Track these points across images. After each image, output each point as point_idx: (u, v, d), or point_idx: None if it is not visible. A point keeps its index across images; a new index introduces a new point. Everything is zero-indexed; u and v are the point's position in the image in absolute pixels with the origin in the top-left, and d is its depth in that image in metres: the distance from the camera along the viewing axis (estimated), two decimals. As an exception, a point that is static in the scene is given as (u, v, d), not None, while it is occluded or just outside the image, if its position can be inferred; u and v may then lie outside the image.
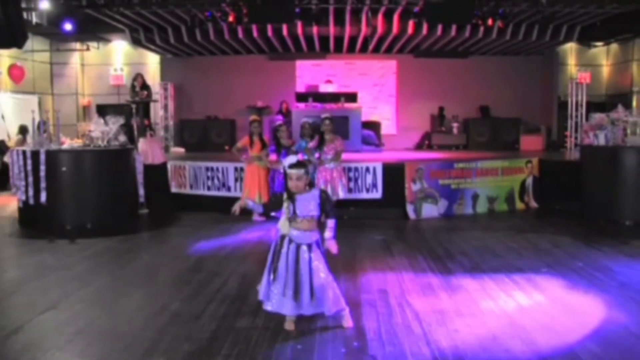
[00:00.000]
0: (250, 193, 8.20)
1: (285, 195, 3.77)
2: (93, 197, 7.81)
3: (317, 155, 7.82)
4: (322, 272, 3.73)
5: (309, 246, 3.75)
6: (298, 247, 3.74)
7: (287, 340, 3.62)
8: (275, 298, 3.74)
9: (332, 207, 3.86)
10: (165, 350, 3.47)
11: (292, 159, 3.77)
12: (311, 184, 3.83)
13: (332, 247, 3.80)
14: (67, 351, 3.48)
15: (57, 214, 7.70)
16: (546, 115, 15.64)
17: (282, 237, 3.79)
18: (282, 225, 3.78)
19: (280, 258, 3.75)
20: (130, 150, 8.71)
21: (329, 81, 15.07)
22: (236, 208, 3.90)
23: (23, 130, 11.85)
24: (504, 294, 4.60)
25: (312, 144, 8.00)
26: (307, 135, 8.13)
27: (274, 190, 8.12)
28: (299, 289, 3.69)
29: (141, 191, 8.79)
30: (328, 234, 3.80)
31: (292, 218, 3.72)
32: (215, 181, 9.27)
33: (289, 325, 3.79)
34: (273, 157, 8.31)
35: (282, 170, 8.08)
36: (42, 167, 7.56)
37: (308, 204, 3.71)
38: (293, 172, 3.70)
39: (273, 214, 4.18)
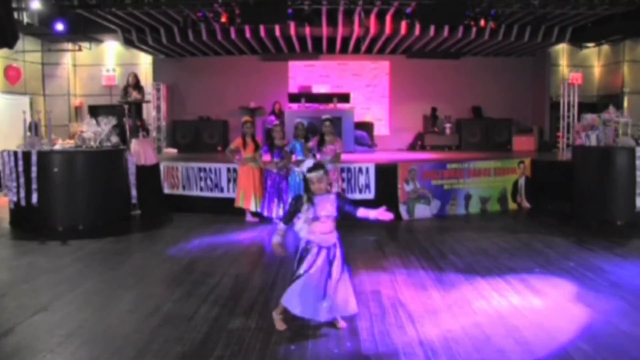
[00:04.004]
0: (246, 195, 8.19)
1: (305, 198, 3.75)
2: (85, 198, 7.78)
3: (318, 156, 7.82)
4: (338, 273, 3.74)
5: (329, 249, 3.74)
6: (320, 250, 3.73)
7: (280, 341, 3.61)
8: (304, 303, 3.70)
9: (351, 204, 3.81)
10: (157, 352, 3.46)
11: (308, 163, 3.77)
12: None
13: (385, 215, 3.77)
14: (58, 353, 3.46)
15: (49, 215, 7.66)
16: (538, 115, 15.72)
17: (309, 243, 3.75)
18: (301, 228, 3.76)
19: (304, 263, 3.72)
20: (123, 151, 8.68)
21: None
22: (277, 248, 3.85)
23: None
24: (496, 294, 4.61)
25: (311, 144, 8.01)
26: (300, 136, 8.12)
27: (269, 190, 8.12)
28: (322, 293, 3.69)
29: (133, 192, 8.76)
30: (373, 213, 3.75)
31: (314, 219, 3.70)
32: (208, 182, 9.25)
33: (281, 326, 3.79)
34: (266, 157, 8.31)
35: (274, 171, 8.16)
36: (34, 168, 7.52)
37: (326, 204, 3.71)
38: (312, 175, 3.70)
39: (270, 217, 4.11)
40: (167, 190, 9.69)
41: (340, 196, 3.85)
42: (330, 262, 3.74)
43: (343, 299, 3.76)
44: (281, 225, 3.81)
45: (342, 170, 8.69)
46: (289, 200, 7.94)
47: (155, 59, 15.64)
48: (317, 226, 3.72)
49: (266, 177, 8.20)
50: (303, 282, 3.69)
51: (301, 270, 3.71)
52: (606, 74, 15.65)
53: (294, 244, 3.86)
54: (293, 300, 3.70)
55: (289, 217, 3.82)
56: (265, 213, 8.16)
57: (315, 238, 3.73)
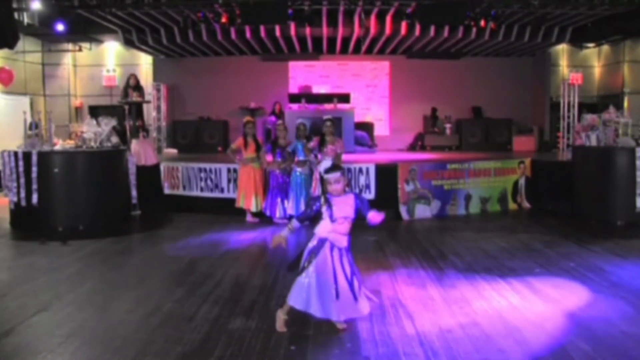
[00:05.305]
0: (247, 196, 8.19)
1: (322, 200, 3.71)
2: (85, 199, 7.78)
3: (319, 156, 7.82)
4: (350, 276, 3.71)
5: (341, 250, 3.72)
6: (333, 248, 3.71)
7: (280, 342, 3.61)
8: (317, 301, 3.66)
9: (368, 206, 3.76)
10: (158, 352, 3.46)
11: (326, 164, 3.73)
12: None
13: (376, 217, 3.69)
14: (58, 354, 3.46)
15: (49, 215, 7.66)
16: (538, 116, 15.71)
17: (322, 241, 3.72)
18: (322, 229, 3.73)
19: (315, 261, 3.69)
20: (123, 152, 8.68)
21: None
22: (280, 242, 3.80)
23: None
24: (496, 294, 4.61)
25: (312, 144, 8.02)
26: (302, 137, 8.13)
27: (272, 190, 8.13)
28: (334, 292, 3.65)
29: (134, 192, 8.76)
30: (372, 214, 3.71)
31: (332, 221, 3.67)
32: (208, 182, 9.25)
33: (281, 327, 3.79)
34: (269, 157, 8.32)
35: (277, 172, 8.17)
36: (34, 169, 7.52)
37: (345, 206, 3.68)
38: (330, 176, 3.66)
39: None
40: (167, 190, 9.69)
41: (359, 196, 3.80)
42: (342, 264, 3.70)
43: (354, 300, 3.71)
44: (295, 223, 3.76)
45: (342, 170, 8.69)
46: (294, 198, 7.98)
47: (156, 59, 15.64)
48: (334, 226, 3.69)
49: (270, 176, 8.22)
50: (314, 279, 3.66)
51: (311, 268, 3.68)
52: (606, 74, 15.65)
53: (295, 242, 3.85)
54: (300, 297, 3.68)
55: (304, 218, 3.79)
56: (268, 213, 8.17)
57: (330, 237, 3.71)
